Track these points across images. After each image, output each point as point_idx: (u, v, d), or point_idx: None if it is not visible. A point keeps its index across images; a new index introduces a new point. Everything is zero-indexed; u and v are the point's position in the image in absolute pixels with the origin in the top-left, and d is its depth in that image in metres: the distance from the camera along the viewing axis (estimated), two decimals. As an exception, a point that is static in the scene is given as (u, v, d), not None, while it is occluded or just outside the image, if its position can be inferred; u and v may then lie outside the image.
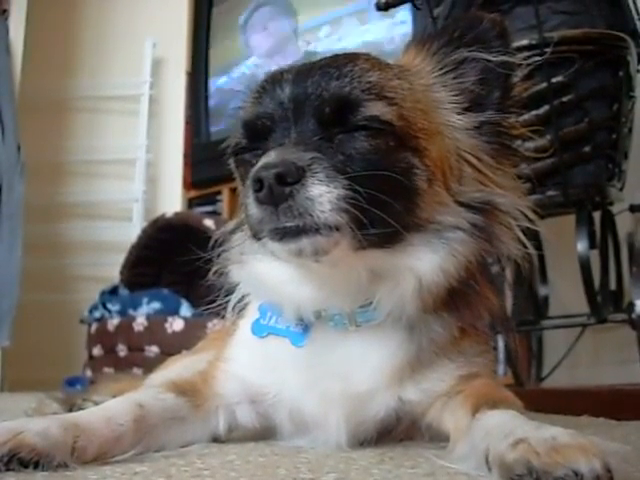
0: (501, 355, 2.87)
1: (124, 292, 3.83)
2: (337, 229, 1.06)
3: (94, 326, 3.81)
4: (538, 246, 3.06)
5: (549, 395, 2.62)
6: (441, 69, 1.28)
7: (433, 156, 1.18)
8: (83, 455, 1.06)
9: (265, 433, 1.36)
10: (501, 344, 2.81)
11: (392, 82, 1.19)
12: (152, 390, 1.34)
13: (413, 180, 1.15)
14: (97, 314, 3.82)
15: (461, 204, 1.20)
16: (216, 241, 1.38)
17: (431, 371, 1.26)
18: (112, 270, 3.98)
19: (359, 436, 1.26)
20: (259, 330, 1.31)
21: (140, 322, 3.54)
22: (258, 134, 1.19)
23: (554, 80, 2.29)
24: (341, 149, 1.11)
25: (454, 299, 1.21)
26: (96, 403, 1.51)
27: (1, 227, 3.77)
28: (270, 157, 1.06)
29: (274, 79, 1.21)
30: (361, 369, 1.22)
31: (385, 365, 1.22)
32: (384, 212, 1.09)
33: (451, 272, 1.16)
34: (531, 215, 1.26)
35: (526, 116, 2.26)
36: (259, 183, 1.04)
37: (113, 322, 3.68)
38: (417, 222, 1.16)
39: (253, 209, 1.08)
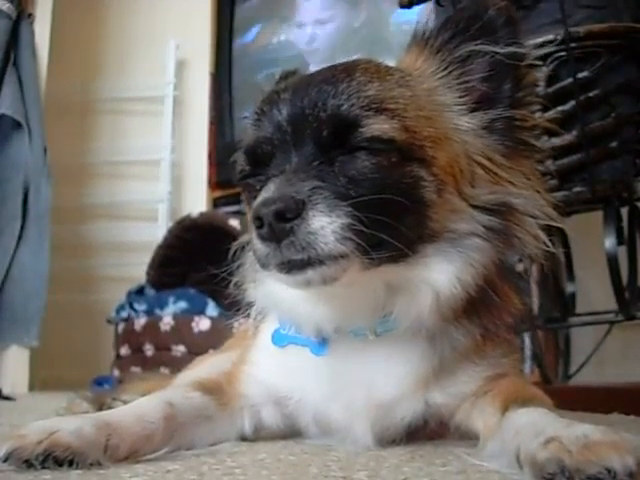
0: (528, 353, 2.85)
1: (151, 292, 3.85)
2: (343, 257, 1.05)
3: (121, 326, 3.84)
4: (565, 243, 3.06)
5: (577, 393, 2.61)
6: (446, 68, 1.23)
7: (442, 163, 1.15)
8: (116, 453, 1.07)
9: (291, 433, 1.37)
10: (528, 342, 2.80)
11: (393, 92, 1.15)
12: (180, 389, 1.35)
13: (421, 193, 1.12)
14: (124, 314, 3.85)
15: (476, 207, 1.17)
16: (235, 252, 1.38)
17: (456, 375, 1.25)
18: (138, 270, 4.01)
19: (386, 439, 1.26)
20: (279, 340, 1.31)
21: (167, 322, 3.56)
22: (260, 160, 1.17)
23: (580, 75, 2.27)
24: (343, 172, 1.09)
25: (474, 306, 1.19)
26: (125, 402, 1.53)
27: (29, 229, 3.81)
28: (269, 191, 1.05)
29: (271, 100, 1.18)
30: (385, 378, 1.22)
31: (409, 374, 1.21)
32: (392, 233, 1.07)
33: (469, 282, 1.14)
34: (552, 212, 1.22)
35: (552, 112, 2.26)
36: (260, 220, 1.03)
37: (140, 322, 3.71)
38: (430, 233, 1.14)
39: (257, 244, 1.07)
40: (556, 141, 2.28)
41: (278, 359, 1.32)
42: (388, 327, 1.19)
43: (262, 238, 1.05)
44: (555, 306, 3.07)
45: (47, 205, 3.84)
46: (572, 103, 2.27)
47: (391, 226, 1.07)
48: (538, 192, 1.22)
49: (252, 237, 1.08)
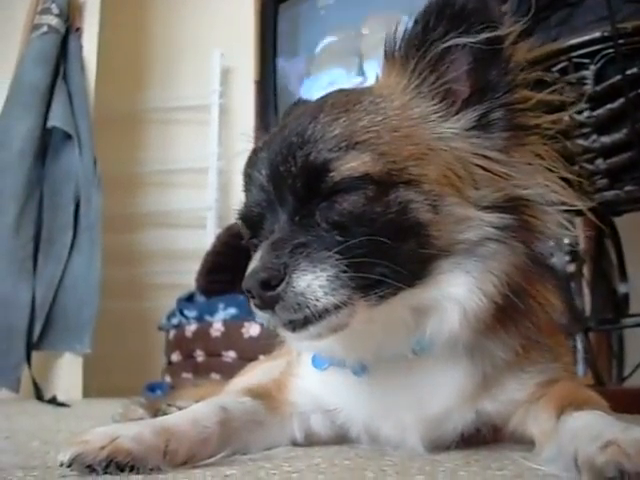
0: (580, 356, 2.81)
1: (200, 299, 3.89)
2: (342, 305, 1.04)
3: (172, 332, 3.88)
4: (617, 242, 3.01)
5: (632, 395, 2.56)
6: (419, 76, 1.18)
7: (433, 177, 1.10)
8: (174, 458, 1.09)
9: (342, 440, 1.37)
10: (580, 344, 2.76)
11: (362, 122, 1.12)
12: (232, 395, 1.37)
13: (414, 216, 1.08)
14: (175, 321, 3.89)
15: (486, 208, 1.12)
16: None
17: (505, 384, 1.23)
18: (188, 277, 4.05)
19: (439, 447, 1.25)
20: (319, 363, 1.30)
21: (217, 328, 3.58)
22: (254, 224, 1.19)
23: (629, 72, 2.23)
24: (325, 220, 1.08)
25: (508, 315, 1.16)
26: (180, 408, 1.55)
27: (81, 238, 3.88)
28: (255, 261, 1.06)
29: (252, 162, 1.19)
30: (432, 395, 1.20)
31: (454, 389, 1.20)
32: (389, 266, 1.05)
33: (492, 291, 1.10)
34: (570, 194, 1.18)
35: (600, 110, 2.23)
36: (249, 292, 1.05)
37: (190, 328, 3.74)
38: (438, 251, 1.10)
39: (256, 312, 1.09)
40: (606, 140, 2.24)
41: (323, 376, 1.32)
42: (425, 345, 1.16)
43: (257, 307, 1.07)
44: (607, 307, 3.02)
45: (98, 215, 3.90)
46: (621, 101, 2.23)
47: (388, 259, 1.06)
48: (552, 171, 1.18)
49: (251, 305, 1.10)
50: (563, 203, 1.16)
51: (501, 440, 1.29)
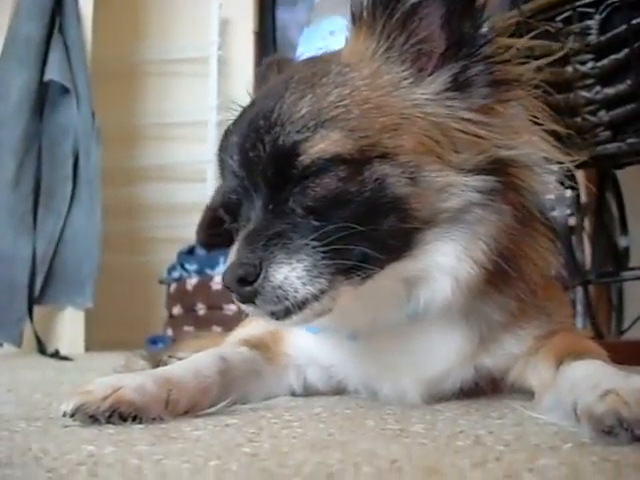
0: (580, 308, 2.82)
1: (201, 252, 3.90)
2: (323, 292, 1.03)
3: (173, 286, 3.90)
4: (618, 196, 3.00)
5: (631, 347, 2.58)
6: (388, 38, 1.12)
7: (409, 147, 1.06)
8: (176, 408, 1.10)
9: (341, 392, 1.37)
10: (580, 297, 2.77)
11: (329, 97, 1.07)
12: (231, 345, 1.38)
13: (391, 191, 1.04)
14: (175, 274, 3.91)
15: (470, 172, 1.08)
16: None
17: (503, 340, 1.23)
18: (188, 231, 4.05)
19: (438, 401, 1.25)
20: (312, 328, 1.28)
21: (217, 281, 3.59)
22: (232, 210, 1.16)
23: (634, 22, 2.19)
24: (299, 205, 1.05)
25: (500, 278, 1.14)
26: (180, 360, 1.56)
27: (80, 192, 3.87)
28: (231, 256, 1.05)
29: (223, 146, 1.15)
30: (430, 358, 1.20)
31: (452, 351, 1.19)
32: (370, 245, 1.03)
33: (481, 258, 1.08)
34: (555, 153, 1.14)
35: (604, 61, 2.20)
36: (228, 288, 1.05)
37: (191, 282, 3.76)
38: (421, 223, 1.07)
39: (240, 305, 1.08)
40: (609, 91, 2.22)
41: (318, 336, 1.31)
42: (419, 313, 1.14)
43: (239, 301, 1.06)
44: (608, 260, 3.03)
45: (97, 168, 3.89)
46: (626, 51, 2.20)
47: (368, 239, 1.03)
48: (538, 124, 1.14)
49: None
50: (551, 160, 1.14)
51: (500, 392, 1.30)
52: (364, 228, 1.03)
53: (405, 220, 1.06)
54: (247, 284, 1.02)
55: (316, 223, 1.03)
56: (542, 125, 1.16)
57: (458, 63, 1.10)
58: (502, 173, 1.09)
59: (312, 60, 1.20)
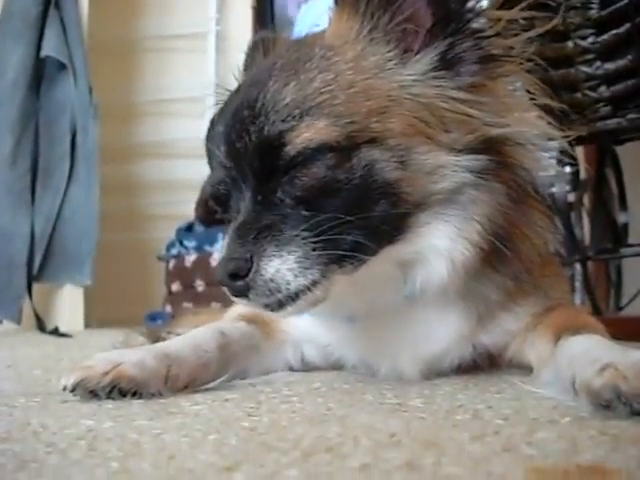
0: (578, 284, 2.82)
1: (199, 228, 3.89)
2: (316, 283, 1.02)
3: (172, 263, 3.90)
4: (617, 171, 2.99)
5: (629, 324, 2.59)
6: (372, 17, 1.09)
7: (398, 130, 1.04)
8: (175, 383, 1.10)
9: (339, 369, 1.37)
10: (578, 273, 2.77)
11: (313, 83, 1.05)
12: (229, 320, 1.39)
13: (381, 176, 1.03)
14: (174, 251, 3.91)
15: (461, 152, 1.06)
16: None
17: (501, 319, 1.23)
18: (187, 208, 4.04)
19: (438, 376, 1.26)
20: None
21: (216, 257, 3.58)
22: (222, 201, 1.15)
23: (636, -5, 2.18)
24: (288, 195, 1.04)
25: (496, 257, 1.13)
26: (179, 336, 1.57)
27: (78, 169, 3.85)
28: (222, 250, 1.05)
29: (210, 136, 1.14)
30: (428, 338, 1.20)
31: (451, 332, 1.19)
32: (362, 232, 1.02)
33: (476, 238, 1.07)
34: (548, 129, 1.13)
35: (605, 36, 2.18)
36: (221, 283, 1.04)
37: (190, 258, 3.76)
38: (414, 206, 1.05)
39: (233, 298, 1.08)
40: (610, 66, 2.20)
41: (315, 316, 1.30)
42: (416, 294, 1.13)
43: (232, 295, 1.06)
44: (607, 236, 3.03)
45: (94, 145, 3.87)
46: (627, 26, 2.18)
47: (360, 226, 1.02)
48: (526, 112, 1.12)
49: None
50: (544, 137, 1.13)
51: (499, 368, 1.30)
52: (355, 216, 1.02)
53: (397, 205, 1.04)
54: (239, 279, 1.02)
55: (306, 213, 1.03)
56: (536, 100, 1.15)
57: (445, 40, 1.08)
58: (494, 152, 1.08)
59: (296, 44, 1.18)
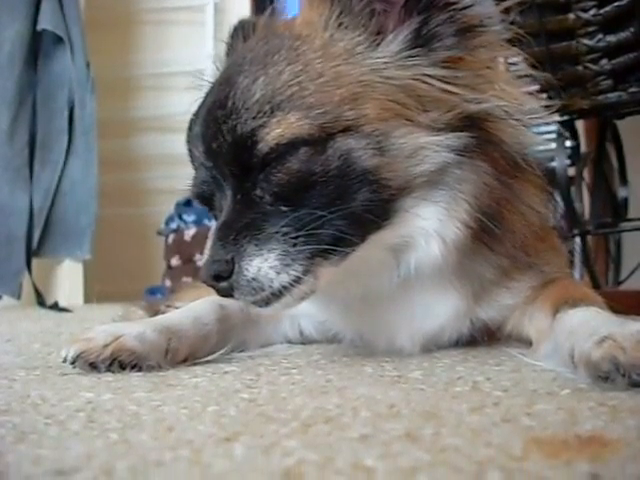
0: (578, 258, 2.82)
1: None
2: (300, 277, 1.01)
3: (171, 237, 3.90)
4: (618, 146, 2.98)
5: (628, 297, 2.59)
6: (340, 1, 1.07)
7: (373, 116, 1.02)
8: (175, 356, 1.11)
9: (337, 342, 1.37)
10: (578, 247, 2.77)
11: (282, 76, 1.03)
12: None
13: (359, 165, 1.01)
14: (173, 225, 3.91)
15: (440, 130, 1.04)
16: None
17: (498, 295, 1.22)
18: (185, 182, 4.02)
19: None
20: None
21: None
22: (207, 200, 1.14)
23: (638, -32, 2.15)
24: (266, 192, 1.03)
25: (489, 234, 1.12)
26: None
27: (76, 144, 3.83)
28: (206, 253, 1.04)
29: (190, 137, 1.13)
30: (425, 316, 1.19)
31: (448, 310, 1.19)
32: (345, 223, 1.01)
33: (465, 218, 1.06)
34: (530, 103, 1.11)
35: (607, 8, 2.16)
36: (206, 284, 1.04)
37: (189, 232, 3.76)
38: (396, 192, 1.04)
39: (221, 297, 1.08)
40: (611, 39, 2.18)
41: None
42: (410, 274, 1.12)
43: (219, 295, 1.06)
44: (607, 211, 3.02)
45: (93, 119, 3.85)
46: (629, -2, 2.16)
47: (342, 217, 1.01)
48: (507, 85, 1.10)
49: None
50: (522, 112, 1.10)
51: (498, 341, 1.30)
52: (337, 207, 1.01)
53: (378, 192, 1.03)
54: (223, 280, 1.02)
55: (286, 209, 1.02)
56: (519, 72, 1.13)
57: (419, 17, 1.05)
58: (476, 128, 1.06)
59: (266, 35, 1.15)
